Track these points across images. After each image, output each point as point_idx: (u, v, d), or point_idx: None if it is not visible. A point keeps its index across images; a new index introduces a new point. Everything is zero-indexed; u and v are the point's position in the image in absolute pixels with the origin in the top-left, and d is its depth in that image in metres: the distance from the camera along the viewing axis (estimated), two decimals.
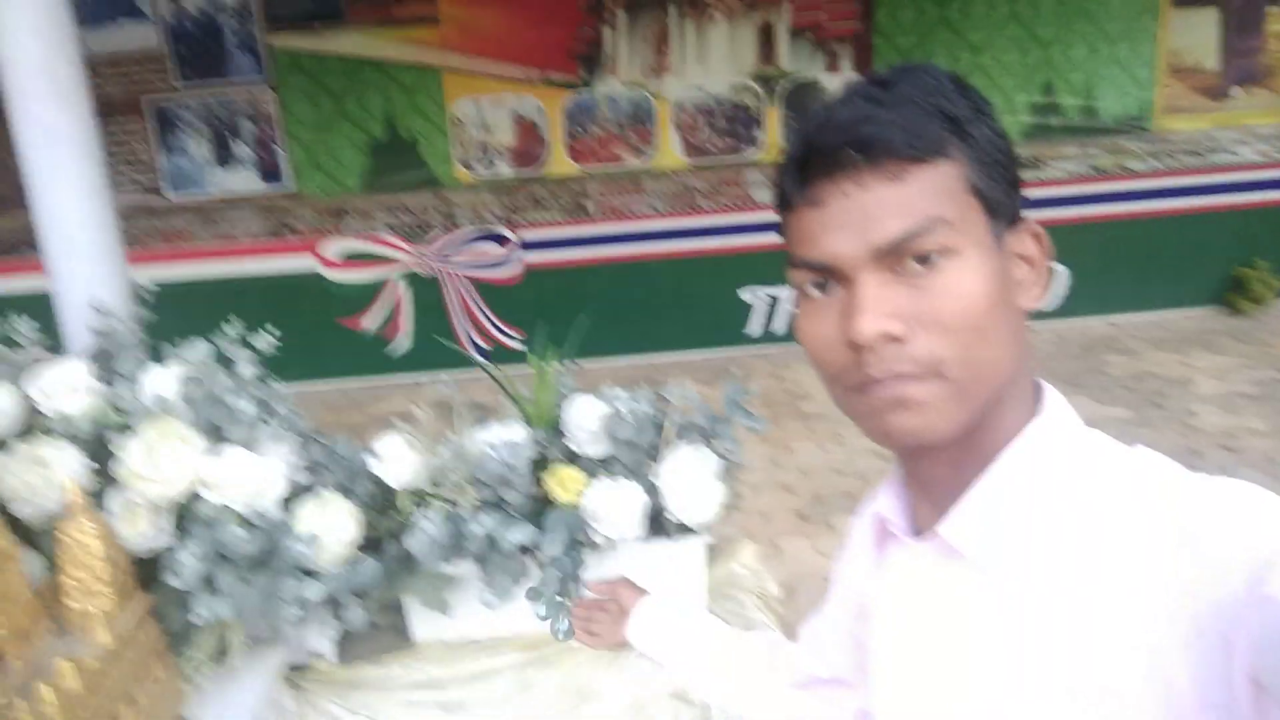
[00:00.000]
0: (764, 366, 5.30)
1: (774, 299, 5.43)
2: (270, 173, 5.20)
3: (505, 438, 1.58)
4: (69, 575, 1.27)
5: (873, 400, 0.62)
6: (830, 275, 0.63)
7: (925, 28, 5.41)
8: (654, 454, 1.63)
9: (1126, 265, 5.71)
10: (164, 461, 1.35)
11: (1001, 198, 0.63)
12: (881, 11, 5.38)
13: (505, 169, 5.40)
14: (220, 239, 4.97)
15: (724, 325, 5.48)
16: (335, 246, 5.00)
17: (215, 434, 1.42)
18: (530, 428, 1.64)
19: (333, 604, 1.46)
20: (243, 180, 5.20)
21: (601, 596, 1.27)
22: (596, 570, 1.57)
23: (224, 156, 5.17)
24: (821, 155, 0.62)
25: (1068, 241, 5.78)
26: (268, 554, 1.39)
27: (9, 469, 1.34)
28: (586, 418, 1.60)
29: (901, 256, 0.60)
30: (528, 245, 5.12)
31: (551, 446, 1.63)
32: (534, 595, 1.50)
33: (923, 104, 0.61)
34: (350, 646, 1.69)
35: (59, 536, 1.26)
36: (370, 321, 5.18)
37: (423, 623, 1.67)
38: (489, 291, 5.20)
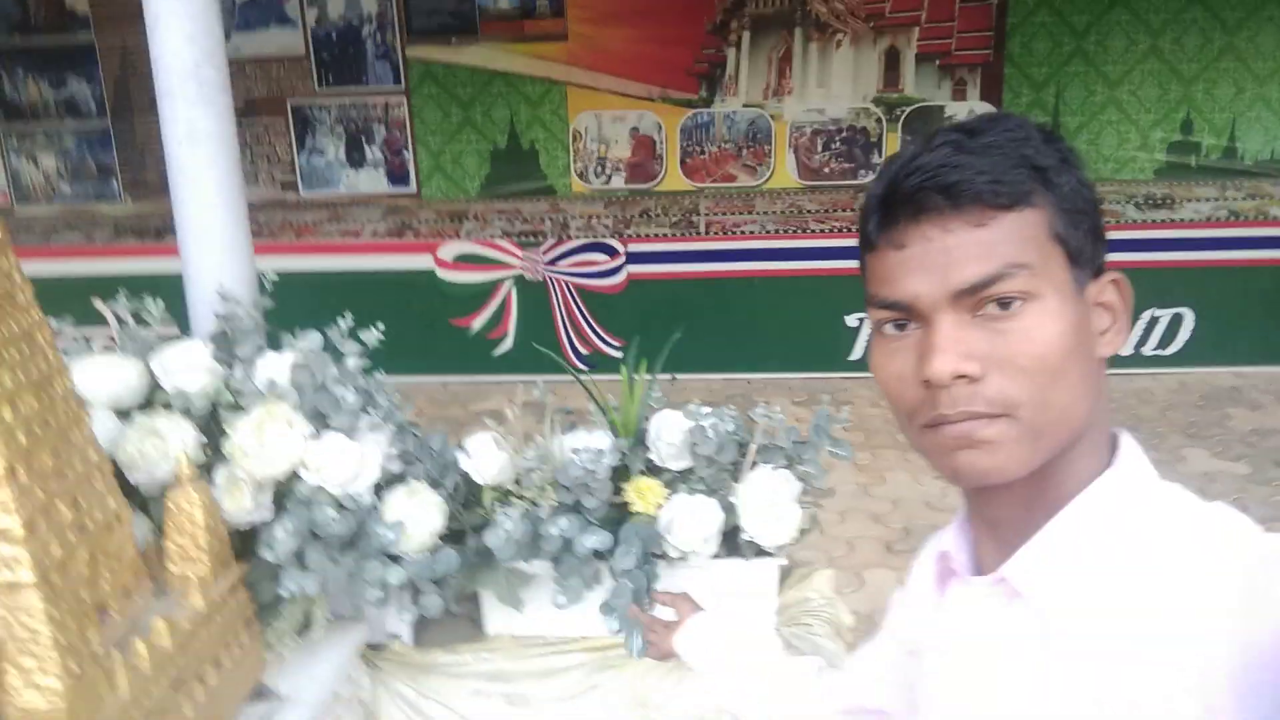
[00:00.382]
0: (865, 393, 5.21)
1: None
2: (397, 176, 5.43)
3: (590, 444, 1.62)
4: (173, 540, 1.37)
5: (943, 438, 0.64)
6: (909, 315, 0.65)
7: (1060, 59, 5.24)
8: (735, 473, 1.64)
9: (1258, 314, 5.38)
10: (269, 441, 1.44)
11: (1084, 246, 0.64)
12: (1014, 40, 5.24)
13: (619, 182, 5.49)
14: (346, 235, 5.22)
15: (827, 349, 5.41)
16: (451, 248, 5.19)
17: (319, 420, 1.51)
18: (615, 436, 1.68)
19: (412, 589, 1.53)
20: (371, 181, 5.45)
21: (663, 606, 1.29)
22: (668, 584, 1.59)
23: (356, 158, 5.44)
24: (906, 198, 0.63)
25: (1198, 285, 5.51)
26: (356, 536, 1.46)
27: (128, 438, 1.46)
28: (670, 431, 1.62)
29: (981, 300, 0.62)
30: (635, 258, 5.19)
31: (634, 457, 1.66)
32: (607, 610, 1.53)
33: (1009, 152, 0.62)
34: (426, 632, 1.76)
35: (167, 504, 1.36)
36: (479, 322, 5.35)
37: (496, 616, 1.72)
38: (593, 300, 5.29)
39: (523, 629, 1.73)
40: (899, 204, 0.64)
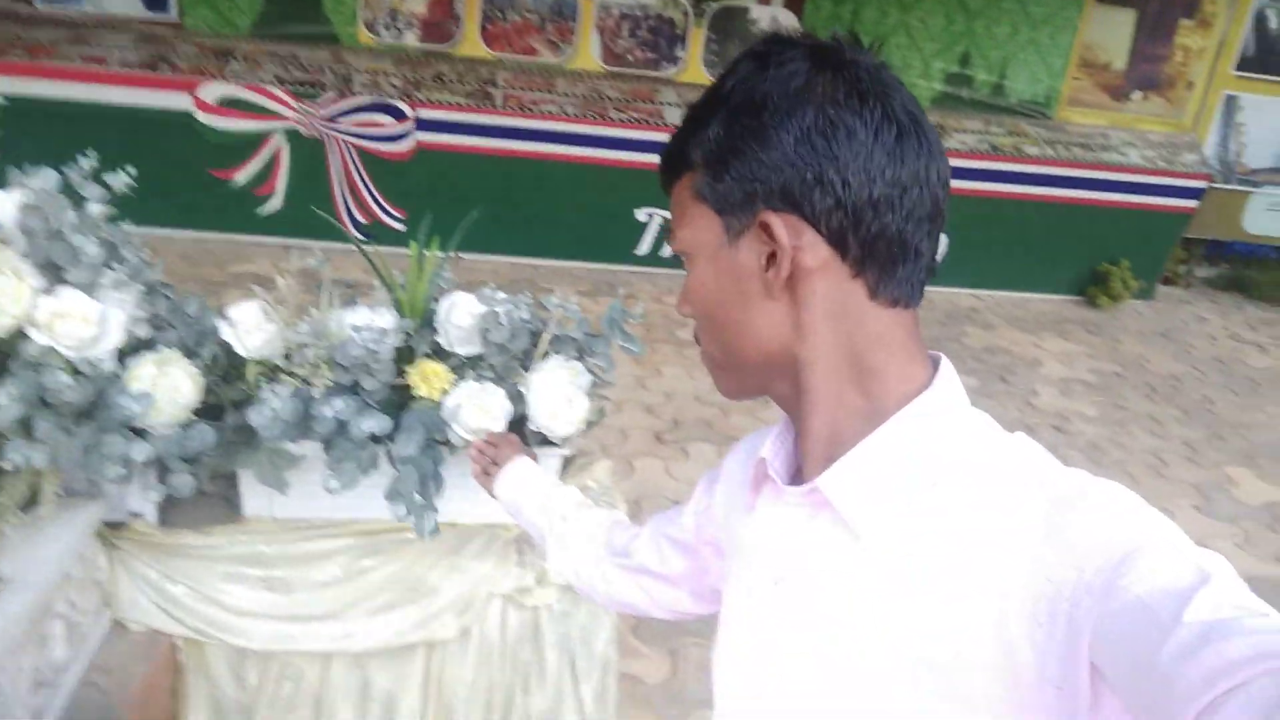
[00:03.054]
0: (648, 288, 5.30)
1: (668, 221, 5.42)
2: None
3: (372, 322, 1.52)
4: None
5: None
6: None
7: None
8: (525, 362, 1.60)
9: (1003, 244, 5.94)
10: None
11: (730, 194, 0.66)
12: None
13: (413, 40, 5.11)
14: (89, 61, 4.53)
15: (615, 241, 5.42)
16: (214, 89, 4.63)
17: (52, 272, 1.31)
18: (400, 316, 1.58)
19: (160, 467, 1.39)
20: (124, 2, 4.74)
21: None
22: (450, 472, 1.54)
23: None
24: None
25: (955, 212, 5.93)
26: (94, 406, 1.30)
27: None
28: (461, 314, 1.55)
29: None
30: (425, 124, 4.88)
31: (419, 339, 1.58)
32: (394, 496, 1.46)
33: (689, 120, 0.69)
34: (174, 512, 1.62)
35: None
36: (243, 175, 4.87)
37: (254, 498, 1.61)
38: (376, 165, 4.95)
39: (283, 511, 1.63)
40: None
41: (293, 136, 4.84)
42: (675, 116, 5.26)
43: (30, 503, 1.34)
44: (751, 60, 0.65)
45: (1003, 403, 4.55)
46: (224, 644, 1.57)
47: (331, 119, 4.81)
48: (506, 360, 1.56)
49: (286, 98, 4.73)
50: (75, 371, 1.29)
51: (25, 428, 1.25)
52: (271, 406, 1.35)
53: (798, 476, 0.73)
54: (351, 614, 1.60)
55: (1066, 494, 0.57)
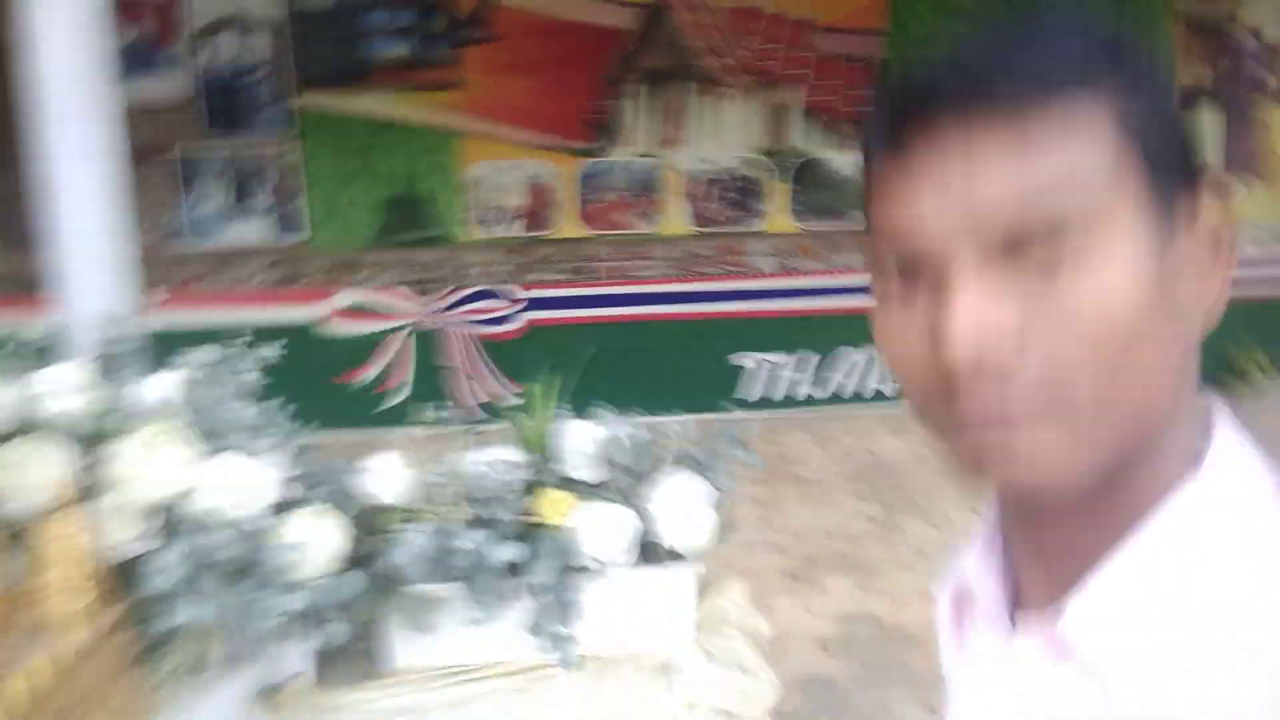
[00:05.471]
0: (758, 431, 5.30)
1: (770, 365, 5.49)
2: (288, 224, 5.30)
3: (500, 456, 1.59)
4: (51, 572, 1.27)
5: (969, 443, 0.45)
6: (915, 264, 0.45)
7: None
8: (648, 481, 1.64)
9: None
10: (160, 461, 1.36)
11: (1169, 149, 0.44)
12: None
13: (518, 229, 5.50)
14: (234, 286, 5.05)
15: (719, 389, 5.51)
16: (344, 296, 5.07)
17: (214, 440, 1.44)
18: (526, 451, 1.66)
19: (315, 618, 1.45)
20: (260, 230, 5.30)
21: None
22: (588, 599, 1.56)
23: (245, 207, 5.28)
24: (918, 89, 0.45)
25: None
26: (252, 561, 1.39)
27: (3, 464, 1.35)
28: (582, 441, 1.61)
29: (1019, 240, 0.42)
30: (534, 304, 5.20)
31: (544, 471, 1.64)
32: (536, 630, 1.48)
33: (1063, 22, 0.44)
34: (329, 671, 1.67)
35: (44, 534, 1.27)
36: (369, 375, 5.23)
37: (405, 648, 1.65)
38: (492, 348, 5.26)
39: (432, 659, 1.66)
40: (909, 98, 0.45)
41: (415, 332, 5.20)
42: (766, 265, 5.44)
43: (194, 668, 1.42)
44: None
45: None
46: None
47: (446, 310, 5.15)
48: (630, 481, 1.60)
49: (405, 296, 5.11)
50: (235, 530, 1.39)
51: (191, 586, 1.35)
52: (415, 544, 1.42)
53: (1016, 604, 0.54)
54: None
55: None
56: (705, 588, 1.85)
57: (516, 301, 5.18)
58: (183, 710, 1.40)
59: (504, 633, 1.54)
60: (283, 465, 1.51)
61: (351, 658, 1.72)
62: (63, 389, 1.44)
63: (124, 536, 1.38)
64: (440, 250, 5.38)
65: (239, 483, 1.38)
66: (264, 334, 5.03)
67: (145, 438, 1.37)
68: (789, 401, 5.51)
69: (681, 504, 1.54)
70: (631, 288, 5.25)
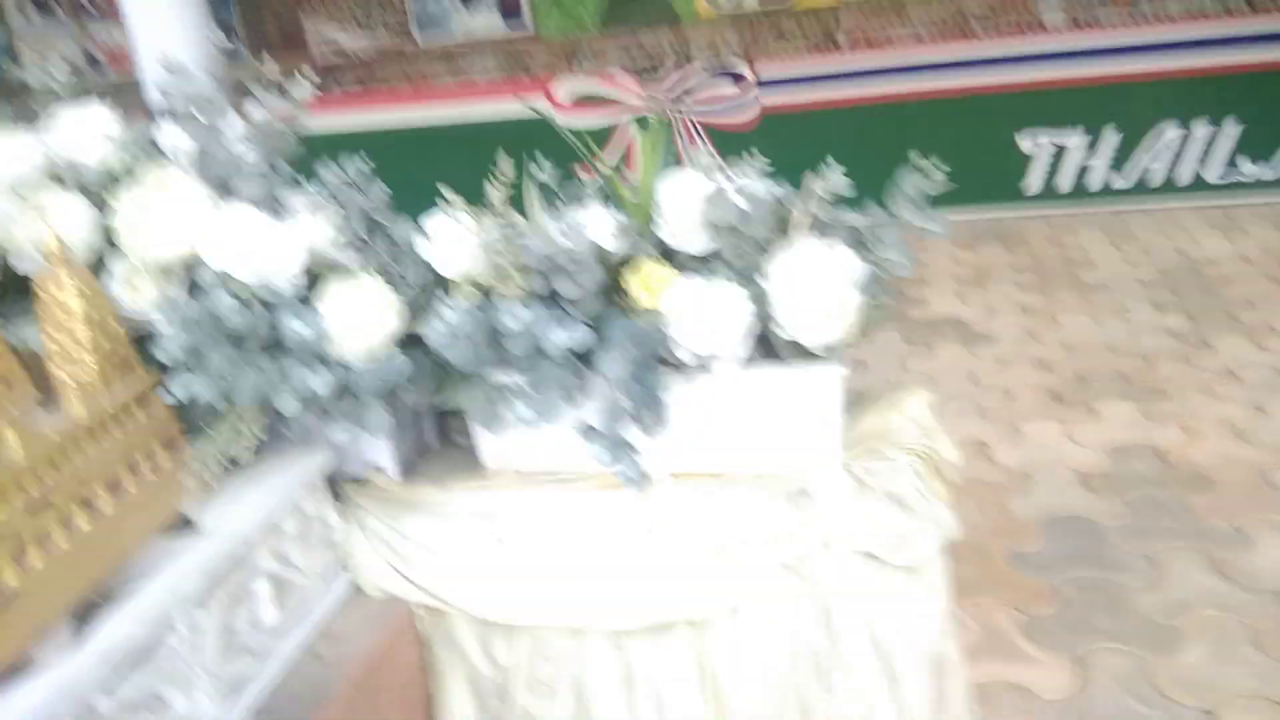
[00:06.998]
0: (1042, 230, 4.47)
1: (1059, 148, 4.50)
2: (511, 12, 5.04)
3: (589, 220, 1.23)
4: (49, 338, 1.11)
5: None
6: None
7: None
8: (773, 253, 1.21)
9: None
10: (157, 214, 1.14)
11: None
12: None
13: (752, 4, 4.85)
14: (461, 81, 4.92)
15: (996, 180, 4.64)
16: (565, 88, 4.77)
17: (225, 190, 1.20)
18: (624, 216, 1.28)
19: (353, 401, 1.21)
20: (485, 22, 5.09)
21: None
22: (684, 400, 1.20)
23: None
24: None
25: None
26: (270, 335, 1.16)
27: (12, 218, 1.20)
28: (683, 199, 1.20)
29: None
30: (766, 84, 4.57)
31: (645, 242, 1.26)
32: (590, 435, 1.15)
33: None
34: (420, 466, 1.47)
35: (36, 292, 1.09)
36: (604, 166, 4.96)
37: (493, 448, 1.40)
38: (724, 140, 4.76)
39: (525, 463, 1.40)
40: None
41: (642, 122, 4.82)
42: (1058, 20, 4.38)
43: (235, 449, 1.24)
44: None
45: None
46: (467, 615, 1.38)
47: (674, 96, 4.71)
48: (747, 252, 1.18)
49: (629, 82, 4.72)
50: (251, 296, 1.15)
51: (199, 360, 1.14)
52: (446, 321, 1.11)
53: None
54: (595, 580, 1.31)
55: None
56: (872, 398, 1.42)
57: (747, 84, 4.60)
58: (231, 493, 1.23)
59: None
60: (326, 227, 1.25)
61: (445, 455, 1.51)
62: (80, 135, 1.25)
63: (139, 303, 1.19)
64: (667, 31, 4.89)
65: (249, 240, 1.14)
66: (492, 129, 4.90)
67: (143, 187, 1.14)
68: (1080, 193, 4.57)
69: (809, 283, 1.11)
70: (883, 57, 4.46)
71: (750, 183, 1.19)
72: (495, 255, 1.16)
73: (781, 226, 1.21)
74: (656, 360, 1.15)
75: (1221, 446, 2.63)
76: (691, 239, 1.20)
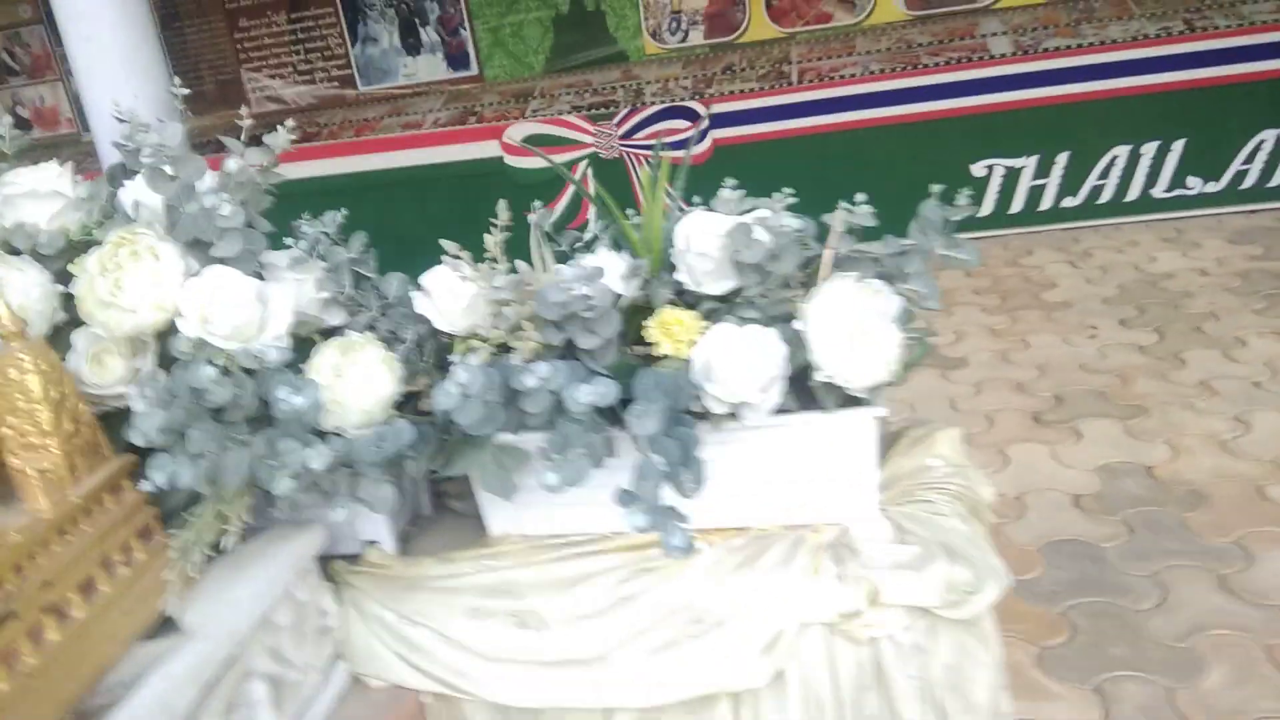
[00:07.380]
0: (997, 251, 4.49)
1: (1010, 169, 4.55)
2: (456, 59, 4.97)
3: (599, 264, 1.14)
4: (5, 424, 0.98)
5: None
6: None
7: None
8: (803, 290, 1.14)
9: None
10: (129, 281, 1.03)
11: None
12: None
13: (698, 38, 4.85)
14: (408, 128, 4.81)
15: (944, 205, 4.69)
16: (518, 130, 4.69)
17: (202, 252, 1.08)
18: (634, 258, 1.20)
19: (350, 475, 1.10)
20: (430, 67, 5.01)
21: None
22: (717, 454, 1.11)
23: (412, 45, 5.00)
24: None
25: None
26: (257, 408, 1.04)
27: None
28: (704, 237, 1.12)
29: None
30: (719, 120, 4.56)
31: (658, 285, 1.18)
32: (626, 500, 1.06)
33: None
34: (418, 541, 1.35)
35: None
36: (557, 210, 4.88)
37: (500, 512, 1.29)
38: (679, 172, 4.73)
39: (536, 528, 1.29)
40: None
41: (595, 161, 4.76)
42: (1003, 46, 4.45)
43: (220, 534, 1.11)
44: None
45: None
46: (481, 701, 1.26)
47: (627, 136, 4.66)
48: (773, 290, 1.10)
49: (583, 124, 4.66)
50: (233, 366, 1.04)
51: (181, 441, 1.02)
52: (457, 381, 1.01)
53: None
54: (624, 656, 1.21)
55: None
56: (903, 437, 1.35)
57: (700, 121, 4.58)
58: (217, 585, 1.10)
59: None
60: (310, 285, 1.14)
61: (443, 525, 1.40)
62: (30, 194, 1.13)
63: (108, 380, 1.07)
64: (615, 70, 4.86)
65: (231, 305, 1.02)
66: (441, 172, 4.80)
67: (107, 249, 1.03)
68: (1030, 214, 4.62)
69: (847, 323, 1.03)
70: (834, 90, 4.47)
71: (768, 215, 1.11)
72: (503, 307, 1.06)
73: (804, 262, 1.13)
74: (689, 413, 1.06)
75: (1210, 461, 2.62)
76: (713, 279, 1.12)
